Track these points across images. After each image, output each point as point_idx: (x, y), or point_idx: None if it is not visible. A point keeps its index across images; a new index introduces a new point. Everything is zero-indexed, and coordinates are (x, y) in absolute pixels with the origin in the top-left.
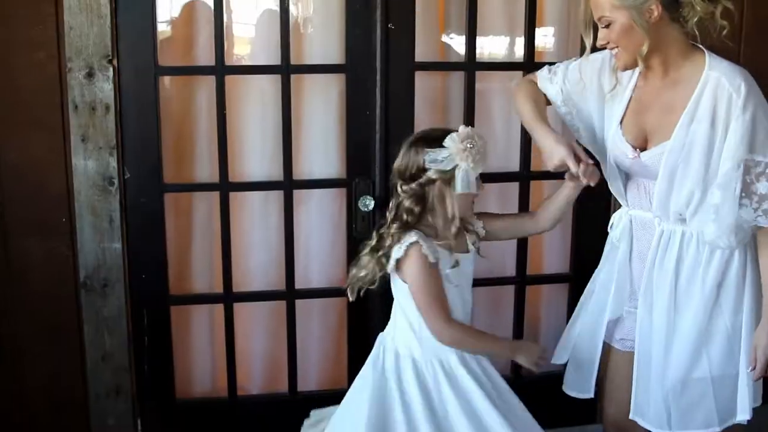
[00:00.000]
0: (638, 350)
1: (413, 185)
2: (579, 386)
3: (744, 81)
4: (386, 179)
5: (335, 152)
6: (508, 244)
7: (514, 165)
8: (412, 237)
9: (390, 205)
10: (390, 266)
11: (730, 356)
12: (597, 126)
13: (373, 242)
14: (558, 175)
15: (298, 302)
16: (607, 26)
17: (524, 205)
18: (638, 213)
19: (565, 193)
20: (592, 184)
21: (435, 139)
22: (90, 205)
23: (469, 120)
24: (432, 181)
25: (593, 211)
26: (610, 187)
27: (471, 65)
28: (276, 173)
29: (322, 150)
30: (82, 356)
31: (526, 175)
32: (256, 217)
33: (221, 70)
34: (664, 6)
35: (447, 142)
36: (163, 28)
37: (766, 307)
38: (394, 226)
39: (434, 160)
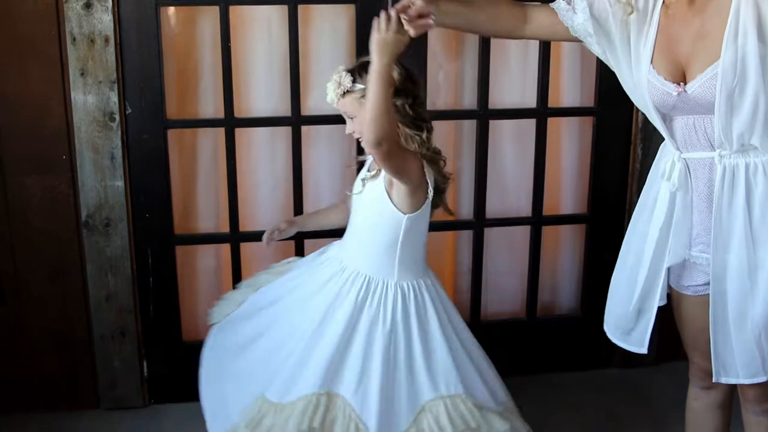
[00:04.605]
0: (713, 297)
1: None
2: (632, 339)
3: None
4: None
5: None
6: (524, 185)
7: (530, 101)
8: None
9: None
10: None
11: None
12: (627, 67)
13: None
14: (576, 111)
15: (307, 242)
16: None
17: (541, 143)
18: (693, 155)
19: None
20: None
21: None
22: (90, 141)
23: (484, 52)
24: None
25: (612, 151)
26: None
27: None
28: (283, 108)
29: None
30: (86, 297)
31: (543, 111)
32: (263, 154)
33: None
34: None
35: None
36: None
37: None
38: None
39: None
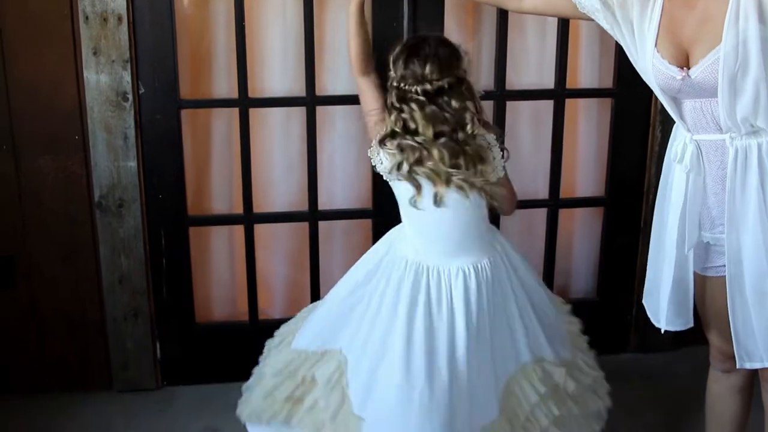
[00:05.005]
0: (730, 280)
1: None
2: (680, 320)
3: None
4: None
5: None
6: (541, 167)
7: (548, 82)
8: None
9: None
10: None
11: None
12: (633, 47)
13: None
14: (594, 92)
15: (321, 224)
16: None
17: (559, 125)
18: (704, 137)
19: None
20: None
21: None
22: (103, 121)
23: (501, 31)
24: None
25: (631, 133)
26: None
27: None
28: (298, 89)
29: (346, 64)
30: (99, 278)
31: (561, 92)
32: (278, 135)
33: None
34: None
35: None
36: None
37: None
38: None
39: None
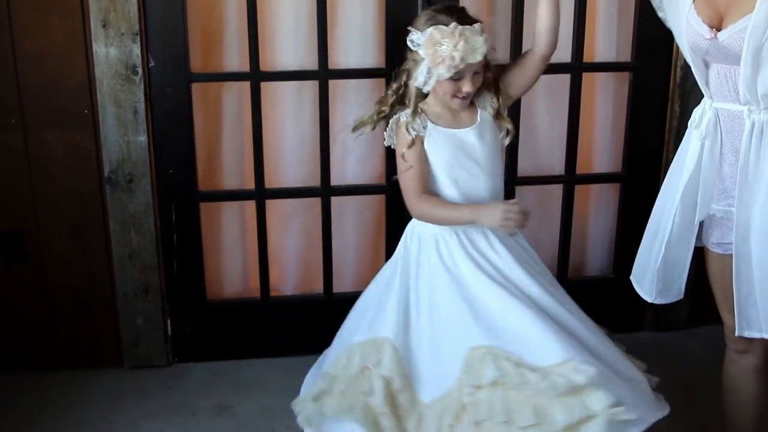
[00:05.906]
0: (737, 254)
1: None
2: (671, 292)
3: None
4: None
5: (374, 40)
6: (557, 142)
7: (564, 56)
8: (398, 113)
9: None
10: (386, 141)
11: None
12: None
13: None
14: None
15: (334, 199)
16: None
17: (575, 100)
18: (723, 105)
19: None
20: None
21: (429, 20)
22: (113, 95)
23: (518, 5)
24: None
25: (649, 108)
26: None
27: None
28: (310, 62)
29: (359, 37)
30: (109, 254)
31: (578, 66)
32: (290, 109)
33: None
34: None
35: (429, 29)
36: None
37: None
38: (392, 86)
39: (411, 40)
